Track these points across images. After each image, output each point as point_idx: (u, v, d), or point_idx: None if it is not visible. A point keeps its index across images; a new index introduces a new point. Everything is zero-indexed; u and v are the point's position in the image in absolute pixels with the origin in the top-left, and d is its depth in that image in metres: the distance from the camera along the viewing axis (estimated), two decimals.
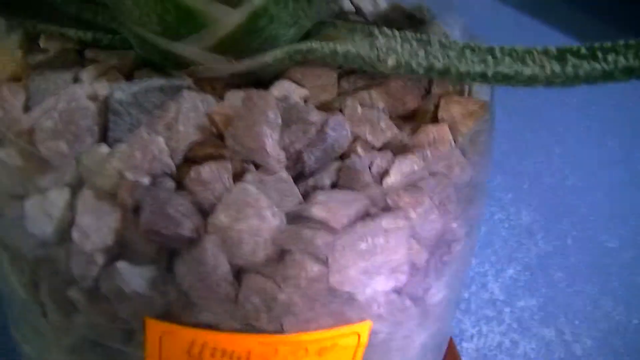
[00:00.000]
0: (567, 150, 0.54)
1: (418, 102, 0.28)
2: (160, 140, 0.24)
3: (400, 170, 0.25)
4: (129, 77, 0.27)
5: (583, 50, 0.26)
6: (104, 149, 0.24)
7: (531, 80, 0.25)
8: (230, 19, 0.24)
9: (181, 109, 0.25)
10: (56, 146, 0.24)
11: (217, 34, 0.25)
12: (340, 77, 0.28)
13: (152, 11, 0.24)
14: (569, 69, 0.25)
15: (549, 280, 0.47)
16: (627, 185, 0.53)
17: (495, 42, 0.27)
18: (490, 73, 0.25)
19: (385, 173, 0.25)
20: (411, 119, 0.28)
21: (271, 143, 0.24)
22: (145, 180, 0.23)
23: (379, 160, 0.25)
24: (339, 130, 0.25)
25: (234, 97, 0.26)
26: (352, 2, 0.33)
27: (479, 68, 0.25)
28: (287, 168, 0.25)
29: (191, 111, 0.25)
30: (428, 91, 0.28)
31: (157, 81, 0.25)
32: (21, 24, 0.29)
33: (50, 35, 0.29)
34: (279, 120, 0.24)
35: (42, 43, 0.29)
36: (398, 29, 0.29)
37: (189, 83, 0.26)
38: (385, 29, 0.27)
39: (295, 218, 0.23)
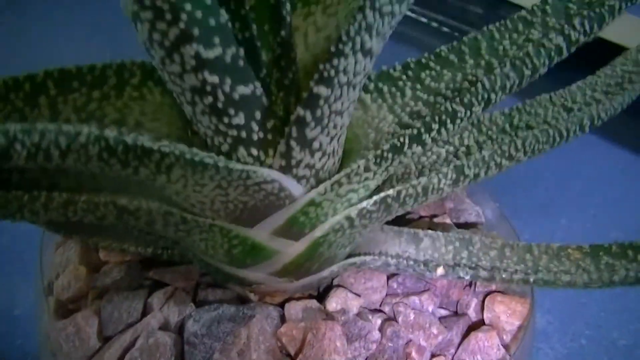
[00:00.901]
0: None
1: (461, 293, 0.30)
2: None
3: None
4: (194, 294, 0.29)
5: (615, 248, 0.28)
6: None
7: (570, 285, 0.27)
8: (293, 250, 0.26)
9: (251, 335, 0.26)
10: None
11: (280, 262, 0.27)
12: (388, 277, 0.30)
13: (220, 247, 0.26)
14: (605, 275, 0.27)
15: None
16: None
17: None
18: (531, 279, 0.28)
19: None
20: (456, 313, 0.30)
21: None
22: None
23: None
24: (396, 340, 0.27)
25: (295, 309, 0.28)
26: None
27: (520, 275, 0.27)
28: None
29: (260, 335, 0.27)
30: (470, 283, 0.30)
31: (228, 310, 0.27)
32: (80, 239, 0.31)
33: (111, 248, 0.30)
34: (346, 346, 0.26)
35: (102, 256, 0.30)
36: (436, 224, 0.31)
37: (257, 310, 0.28)
38: (430, 231, 0.29)
39: None
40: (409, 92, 0.28)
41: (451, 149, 0.29)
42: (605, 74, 0.32)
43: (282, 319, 0.28)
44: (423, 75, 0.28)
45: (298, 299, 0.29)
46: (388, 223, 0.31)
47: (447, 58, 0.28)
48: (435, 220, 0.32)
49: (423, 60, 0.28)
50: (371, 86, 0.28)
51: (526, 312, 0.29)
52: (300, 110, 0.23)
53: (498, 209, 0.34)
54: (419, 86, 0.28)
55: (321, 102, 0.23)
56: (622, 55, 0.33)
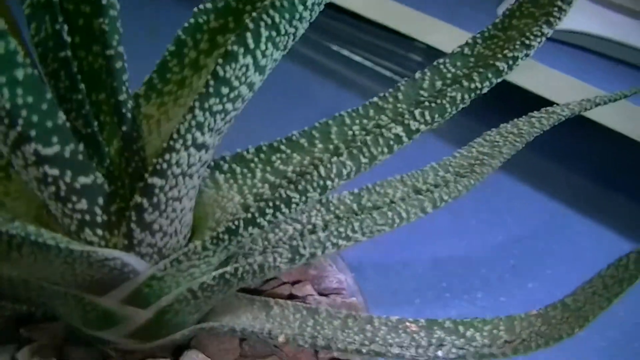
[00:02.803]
0: (488, 293, 0.59)
1: (310, 358, 0.32)
2: None
3: None
4: (61, 350, 0.31)
5: (448, 324, 0.30)
6: None
7: (399, 357, 0.30)
8: (141, 317, 0.29)
9: None
10: None
11: (131, 327, 0.29)
12: (242, 340, 0.32)
13: (76, 311, 0.29)
14: (432, 349, 0.30)
15: None
16: None
17: None
18: (364, 350, 0.30)
19: None
20: None
21: None
22: None
23: None
24: None
25: None
26: None
27: (355, 345, 0.30)
28: None
29: None
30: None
31: None
32: None
33: None
34: None
35: None
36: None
37: None
38: (280, 300, 0.31)
39: None
40: (259, 174, 0.31)
41: (298, 226, 0.31)
42: (462, 155, 0.34)
43: None
44: (274, 158, 0.31)
45: (155, 357, 0.31)
46: (248, 289, 0.34)
47: (297, 142, 0.31)
48: (296, 286, 0.35)
49: (275, 144, 0.31)
50: (226, 167, 0.31)
51: None
52: (137, 198, 0.26)
53: (354, 279, 0.36)
54: (269, 168, 0.31)
55: (157, 191, 0.25)
56: (482, 135, 0.35)
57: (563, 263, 0.63)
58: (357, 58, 0.84)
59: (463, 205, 0.67)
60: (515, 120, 0.36)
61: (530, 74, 0.67)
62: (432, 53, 0.75)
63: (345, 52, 0.85)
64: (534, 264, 0.63)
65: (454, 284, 0.60)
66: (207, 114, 0.25)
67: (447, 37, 0.71)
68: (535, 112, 0.36)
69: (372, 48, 0.85)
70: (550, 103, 0.36)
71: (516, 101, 0.65)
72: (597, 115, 0.65)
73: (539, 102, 0.36)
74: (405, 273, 0.60)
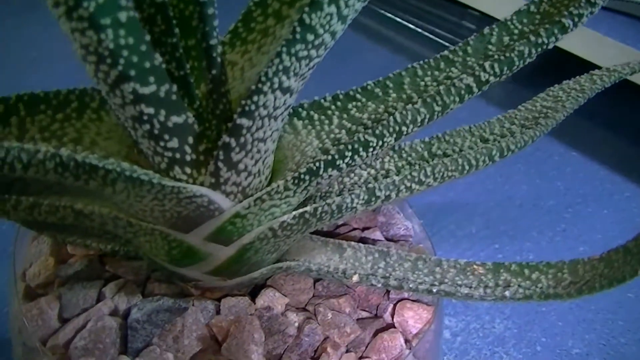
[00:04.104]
0: (539, 255, 0.60)
1: (379, 298, 0.34)
2: (170, 356, 0.30)
3: None
4: (143, 286, 0.33)
5: (514, 267, 0.32)
6: None
7: (467, 298, 0.31)
8: (223, 254, 0.30)
9: (185, 324, 0.31)
10: None
11: (213, 264, 0.31)
12: (316, 281, 0.34)
13: (161, 248, 0.30)
14: (499, 290, 0.31)
15: None
16: None
17: None
18: (434, 290, 0.31)
19: None
20: (375, 316, 0.34)
21: (257, 357, 0.30)
22: None
23: None
24: (312, 336, 0.31)
25: (229, 304, 0.32)
26: None
27: (425, 285, 0.31)
28: None
29: (194, 324, 0.31)
30: (387, 290, 0.34)
31: (166, 302, 0.32)
32: (49, 235, 0.35)
33: (76, 243, 0.34)
34: (263, 339, 0.30)
35: (69, 250, 0.35)
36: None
37: (194, 303, 0.32)
38: (353, 243, 0.33)
39: None
40: (335, 121, 0.32)
41: (372, 172, 0.33)
42: (526, 108, 0.35)
43: (218, 312, 0.32)
44: (350, 106, 0.32)
45: (233, 295, 0.33)
46: (321, 233, 0.35)
47: (372, 91, 0.32)
48: (366, 232, 0.36)
49: (351, 93, 0.32)
50: (304, 113, 0.32)
51: (430, 317, 0.33)
52: (225, 138, 0.27)
53: (422, 226, 0.38)
54: (345, 115, 0.32)
55: (244, 131, 0.27)
56: (546, 90, 0.36)
57: (612, 228, 0.64)
58: (410, 25, 0.85)
59: (515, 170, 0.69)
60: (577, 77, 0.37)
61: (582, 41, 0.68)
62: (485, 20, 0.76)
63: (399, 19, 0.86)
64: (584, 228, 0.64)
65: (506, 246, 0.61)
66: (294, 59, 0.26)
67: (501, 3, 0.71)
68: (596, 70, 0.37)
69: (425, 15, 0.86)
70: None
71: (566, 69, 0.66)
72: None
73: (590, 69, 0.37)
74: (458, 233, 0.62)
